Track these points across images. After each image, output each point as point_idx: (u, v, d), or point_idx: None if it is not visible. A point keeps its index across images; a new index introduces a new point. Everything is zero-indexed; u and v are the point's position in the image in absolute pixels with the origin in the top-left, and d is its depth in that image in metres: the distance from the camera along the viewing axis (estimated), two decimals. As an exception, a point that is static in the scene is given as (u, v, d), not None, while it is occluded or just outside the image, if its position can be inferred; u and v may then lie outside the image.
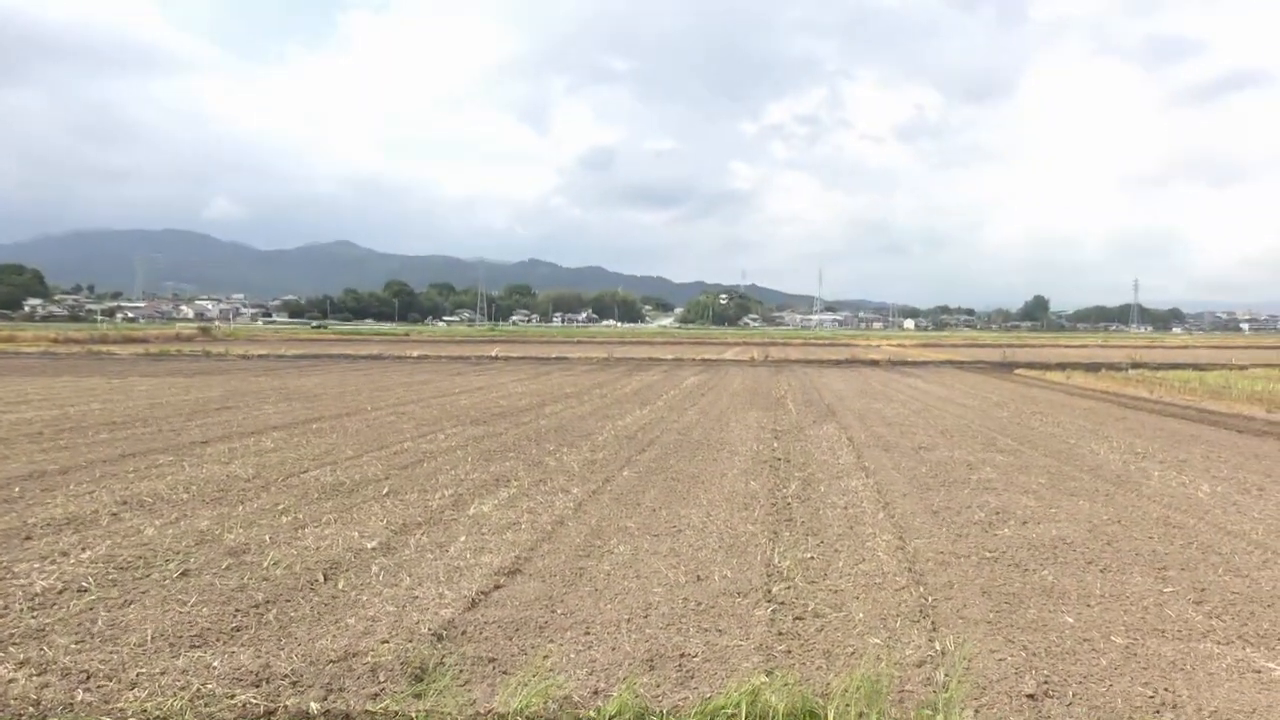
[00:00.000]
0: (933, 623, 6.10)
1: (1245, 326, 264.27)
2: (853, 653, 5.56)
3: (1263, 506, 10.19)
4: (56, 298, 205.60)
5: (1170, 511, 9.79)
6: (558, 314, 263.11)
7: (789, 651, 5.59)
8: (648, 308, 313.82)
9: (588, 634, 5.87)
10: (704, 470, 12.23)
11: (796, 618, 6.18)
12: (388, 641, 5.62)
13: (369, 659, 5.35)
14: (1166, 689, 5.10)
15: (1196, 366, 43.04)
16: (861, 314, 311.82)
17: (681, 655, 5.50)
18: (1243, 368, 41.64)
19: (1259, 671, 5.37)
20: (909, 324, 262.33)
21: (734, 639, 5.77)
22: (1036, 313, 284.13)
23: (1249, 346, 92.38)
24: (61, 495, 9.86)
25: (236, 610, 6.17)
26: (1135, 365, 43.25)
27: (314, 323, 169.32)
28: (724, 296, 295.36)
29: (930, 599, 6.60)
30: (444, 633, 5.82)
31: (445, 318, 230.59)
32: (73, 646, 5.47)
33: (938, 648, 5.63)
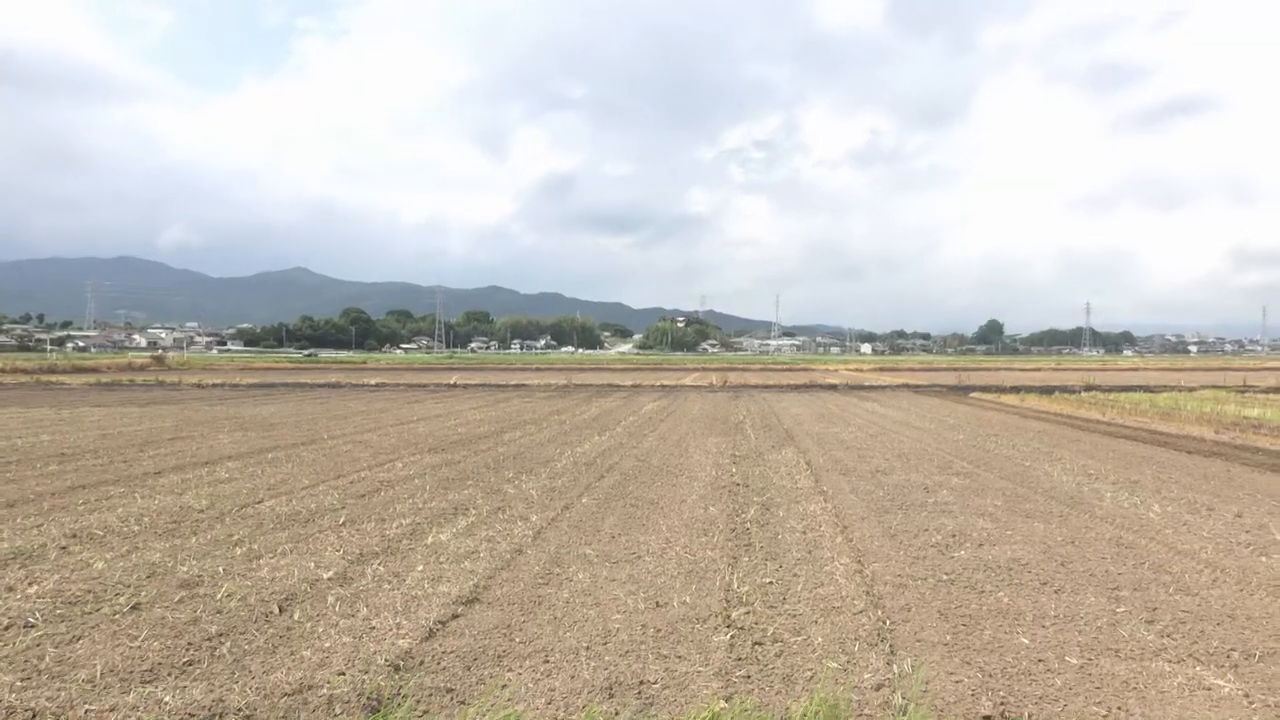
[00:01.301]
0: (891, 646, 6.13)
1: (1193, 348, 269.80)
2: (811, 677, 5.58)
3: (1212, 526, 10.36)
4: (5, 327, 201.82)
5: (1122, 532, 9.93)
6: (516, 340, 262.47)
7: (748, 677, 5.59)
8: (606, 334, 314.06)
9: (547, 662, 5.84)
10: (663, 496, 12.24)
11: (755, 643, 6.19)
12: (344, 673, 5.56)
13: (324, 691, 5.28)
14: (1120, 708, 5.17)
15: (1147, 389, 43.75)
16: (819, 338, 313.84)
17: (641, 682, 5.49)
18: (1191, 389, 42.37)
19: (1209, 689, 5.45)
20: (866, 348, 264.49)
21: (693, 665, 5.77)
22: (991, 336, 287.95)
23: (1197, 369, 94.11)
24: (8, 529, 9.66)
25: (189, 644, 6.07)
26: (1088, 388, 43.89)
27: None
28: (682, 320, 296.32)
29: (888, 622, 6.64)
30: (401, 663, 5.76)
31: (403, 345, 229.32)
32: (18, 684, 5.36)
33: (896, 670, 5.66)
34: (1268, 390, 43.07)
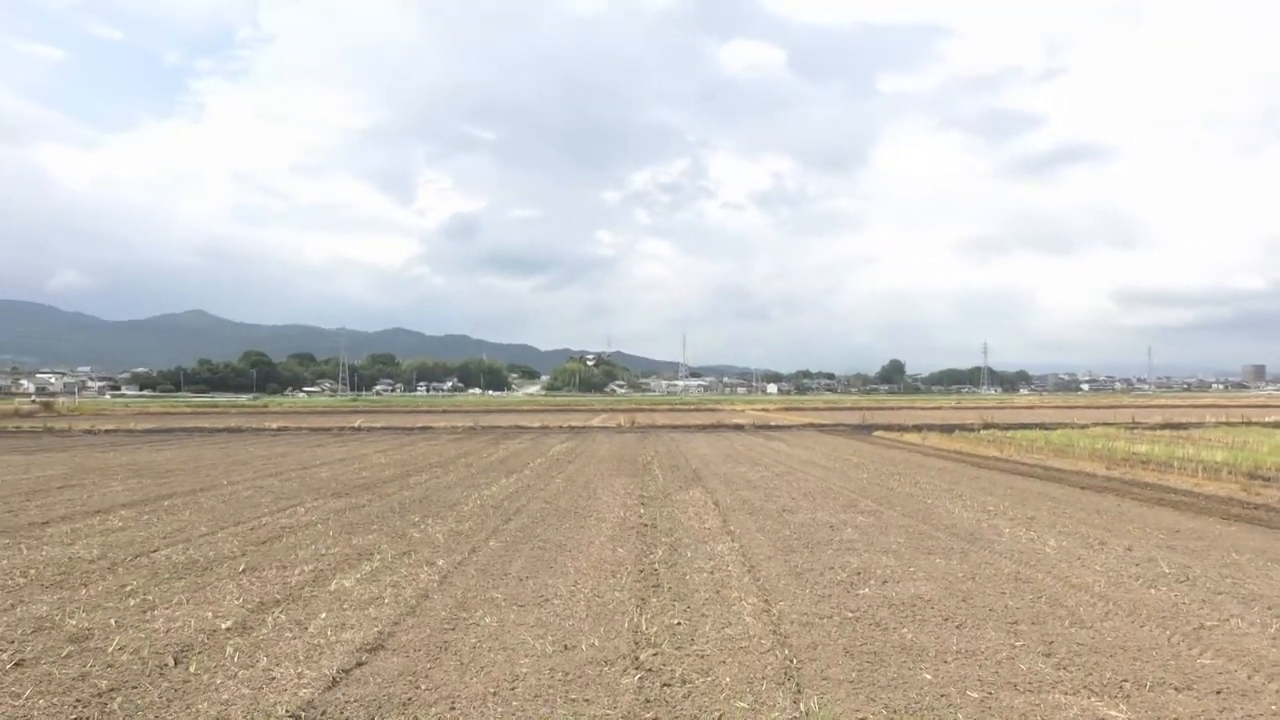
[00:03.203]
0: (798, 684, 6.18)
1: (1085, 386, 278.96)
2: (719, 717, 5.59)
3: (1104, 560, 10.70)
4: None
5: (1020, 567, 10.19)
6: (422, 383, 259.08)
7: (656, 719, 5.58)
8: (514, 375, 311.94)
9: (453, 709, 5.75)
10: (571, 538, 12.18)
11: (664, 684, 6.18)
12: (241, 727, 5.39)
13: (221, 746, 5.12)
14: (1019, 740, 5.28)
15: (1043, 426, 45.12)
16: (726, 379, 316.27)
17: (549, 728, 5.43)
18: (1084, 426, 43.81)
19: (1103, 719, 5.61)
20: (772, 388, 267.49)
21: (601, 708, 5.74)
22: (894, 376, 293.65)
23: (1089, 406, 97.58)
24: (-120, 583, 9.18)
25: (77, 700, 5.83)
26: (986, 426, 45.08)
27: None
28: (590, 358, 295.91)
29: (795, 660, 6.70)
30: (302, 714, 5.62)
31: (306, 388, 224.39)
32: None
33: (802, 709, 5.71)
34: (1154, 427, 44.83)
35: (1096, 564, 10.43)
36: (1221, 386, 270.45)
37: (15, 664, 6.57)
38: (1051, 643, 7.17)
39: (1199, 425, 46.26)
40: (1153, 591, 9.05)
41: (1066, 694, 6.05)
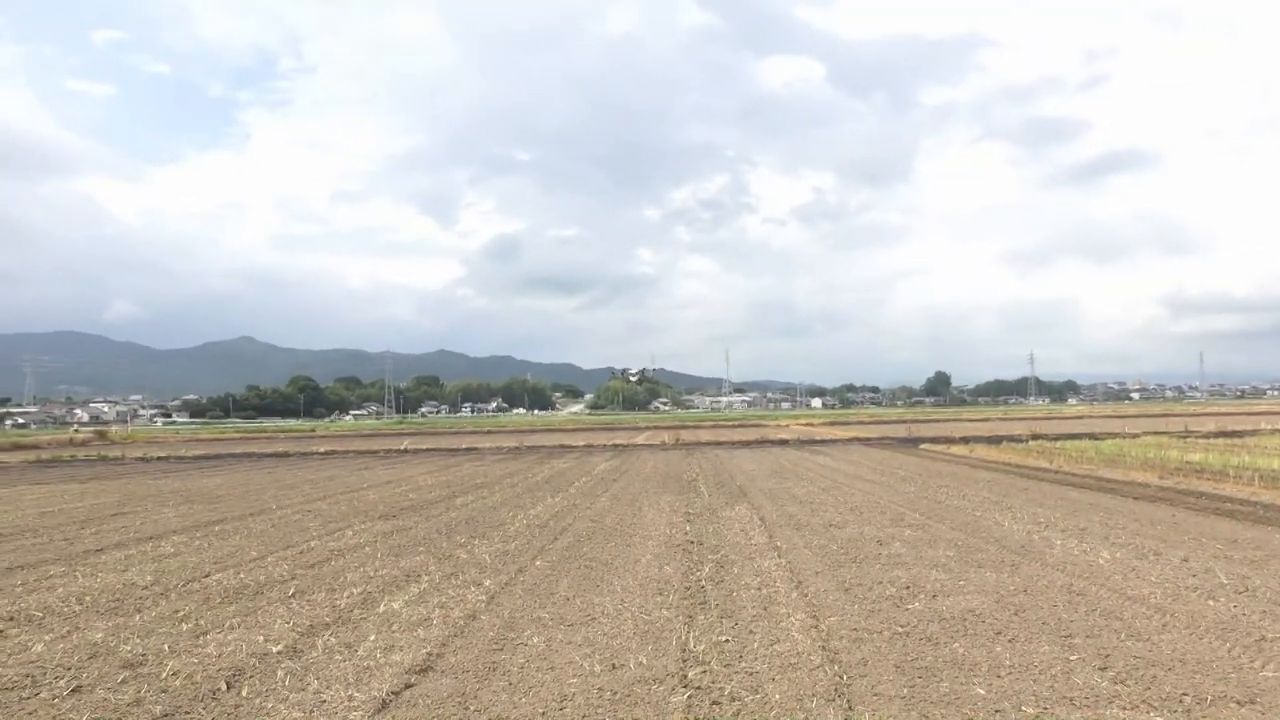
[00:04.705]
0: (848, 701, 6.11)
1: (1135, 395, 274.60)
2: (770, 736, 5.53)
3: (1160, 571, 10.49)
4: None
5: (1073, 579, 10.03)
6: (467, 404, 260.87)
7: (706, 738, 5.54)
8: (558, 395, 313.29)
9: (502, 731, 5.74)
10: (617, 557, 12.17)
11: (713, 702, 6.14)
12: (293, 749, 5.42)
13: (273, 769, 5.15)
14: (1076, 756, 5.18)
15: (1092, 436, 44.47)
16: (770, 394, 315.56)
17: (598, 748, 5.41)
18: (1135, 436, 43.13)
19: (1163, 734, 5.49)
20: (816, 403, 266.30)
21: (651, 728, 5.70)
22: (939, 388, 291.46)
23: (1140, 415, 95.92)
24: (-58, 611, 9.36)
25: (131, 725, 5.90)
26: (1035, 437, 44.50)
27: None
28: (634, 374, 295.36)
29: (845, 677, 6.63)
30: (352, 737, 5.64)
31: (352, 412, 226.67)
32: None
33: (854, 726, 5.64)
34: (1208, 435, 44.01)
35: (1152, 575, 10.23)
36: (1276, 393, 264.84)
37: (72, 690, 6.66)
38: (1108, 656, 7.04)
39: (1254, 433, 45.30)
40: (1211, 603, 8.86)
41: (1125, 709, 5.92)
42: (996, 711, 5.90)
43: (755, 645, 7.56)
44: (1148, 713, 5.85)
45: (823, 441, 48.64)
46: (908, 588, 9.77)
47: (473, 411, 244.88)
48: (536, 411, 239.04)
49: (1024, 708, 5.95)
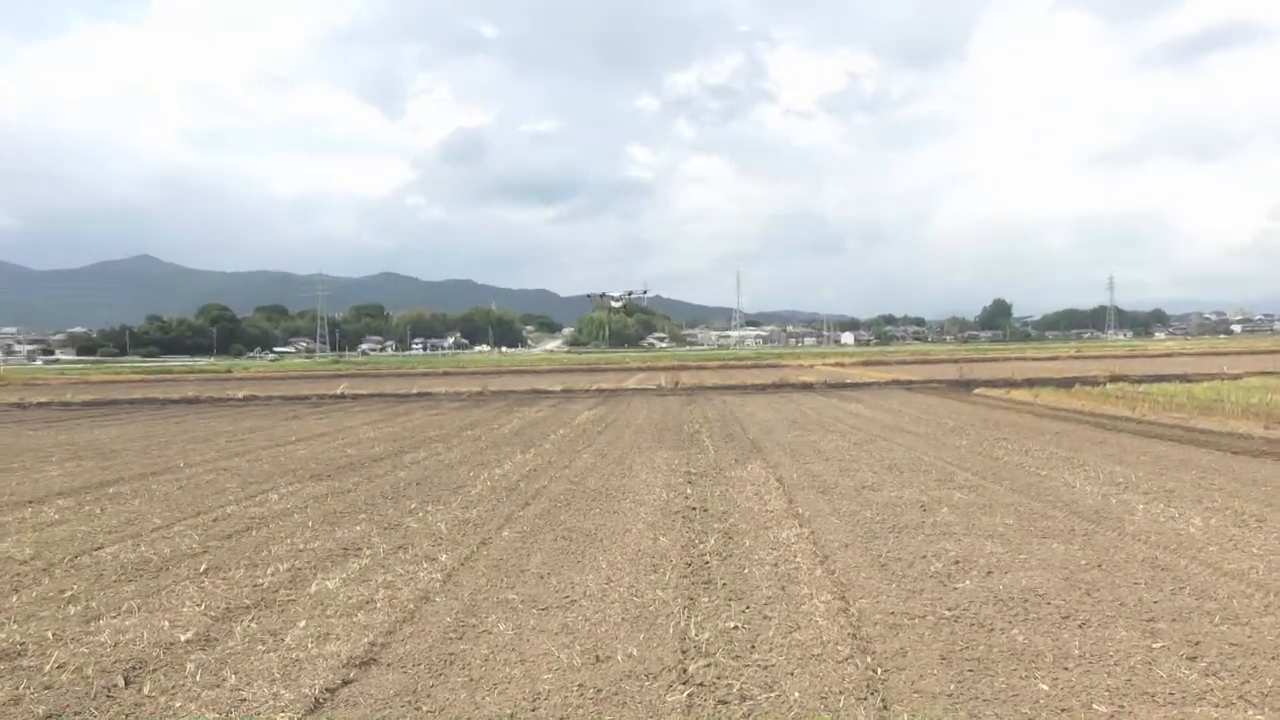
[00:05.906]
0: (883, 700, 6.17)
1: (1237, 328, 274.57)
2: (788, 741, 5.59)
3: (1263, 541, 10.56)
4: None
5: (1158, 552, 10.10)
6: (418, 340, 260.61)
7: (710, 744, 5.60)
8: (530, 329, 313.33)
9: (462, 736, 5.80)
10: (602, 526, 12.23)
11: (720, 702, 6.20)
12: (208, 759, 5.48)
13: (184, 783, 5.20)
14: (1158, 764, 5.24)
15: (1184, 378, 44.53)
16: (790, 328, 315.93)
17: (579, 756, 5.47)
18: (1236, 377, 43.21)
19: (1264, 737, 5.56)
20: (847, 338, 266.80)
21: (643, 732, 5.76)
22: (997, 320, 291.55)
23: (1242, 352, 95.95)
24: None
25: (10, 730, 5.95)
26: (1114, 379, 44.59)
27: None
28: (617, 299, 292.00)
29: (879, 670, 6.68)
30: (280, 744, 5.70)
31: (277, 348, 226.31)
32: None
33: (889, 729, 5.70)
34: (1326, 376, 44.09)
35: (1254, 546, 10.31)
36: None
37: (-63, 687, 6.70)
38: (1198, 644, 7.11)
39: (1383, 372, 45.48)
40: (1325, 579, 8.94)
41: (1217, 706, 5.99)
42: (1062, 710, 5.96)
43: (770, 633, 7.62)
44: (1245, 710, 5.92)
45: (855, 385, 48.74)
46: (957, 563, 9.83)
47: (425, 349, 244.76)
48: (504, 349, 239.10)
49: (1095, 705, 6.02)
